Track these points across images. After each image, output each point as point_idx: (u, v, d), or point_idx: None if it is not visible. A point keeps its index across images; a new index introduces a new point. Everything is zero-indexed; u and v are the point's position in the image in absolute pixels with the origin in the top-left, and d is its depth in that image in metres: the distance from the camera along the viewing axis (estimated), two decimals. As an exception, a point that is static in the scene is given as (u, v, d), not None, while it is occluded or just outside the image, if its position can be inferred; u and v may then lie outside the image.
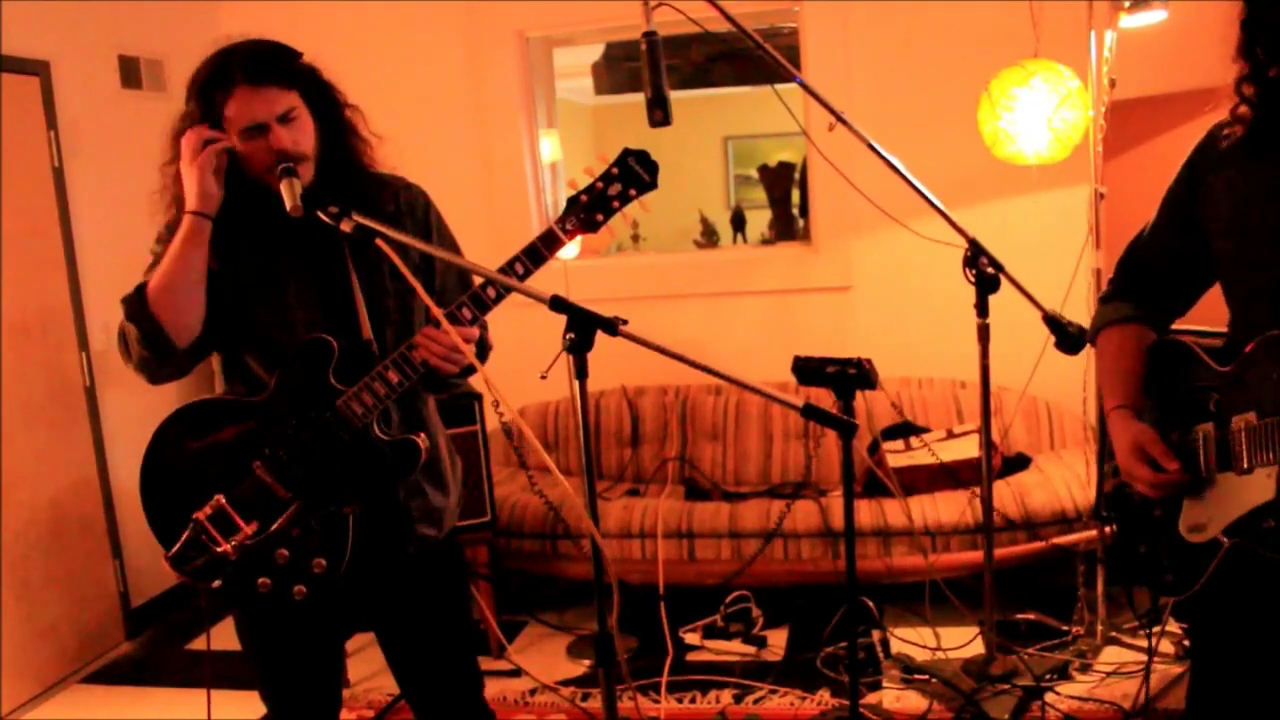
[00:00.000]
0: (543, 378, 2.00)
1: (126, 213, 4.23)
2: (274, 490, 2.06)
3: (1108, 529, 3.52)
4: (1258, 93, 1.75)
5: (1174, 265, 1.98)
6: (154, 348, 2.04)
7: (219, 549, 2.04)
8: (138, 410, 4.41)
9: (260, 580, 2.06)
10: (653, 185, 2.14)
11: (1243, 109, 1.78)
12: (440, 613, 2.34)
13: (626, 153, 2.13)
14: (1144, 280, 2.03)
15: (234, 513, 2.05)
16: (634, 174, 2.11)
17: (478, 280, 2.10)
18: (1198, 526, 1.82)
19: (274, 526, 2.06)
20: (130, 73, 4.60)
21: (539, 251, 2.09)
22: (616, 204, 2.12)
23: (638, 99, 2.54)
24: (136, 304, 2.04)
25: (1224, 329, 1.91)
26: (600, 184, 2.12)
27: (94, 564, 4.34)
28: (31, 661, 3.97)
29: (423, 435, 2.15)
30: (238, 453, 2.08)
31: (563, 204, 2.13)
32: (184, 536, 2.05)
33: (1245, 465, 1.72)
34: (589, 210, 2.11)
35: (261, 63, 2.07)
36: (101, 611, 4.37)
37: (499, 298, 2.09)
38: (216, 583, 2.06)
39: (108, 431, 4.40)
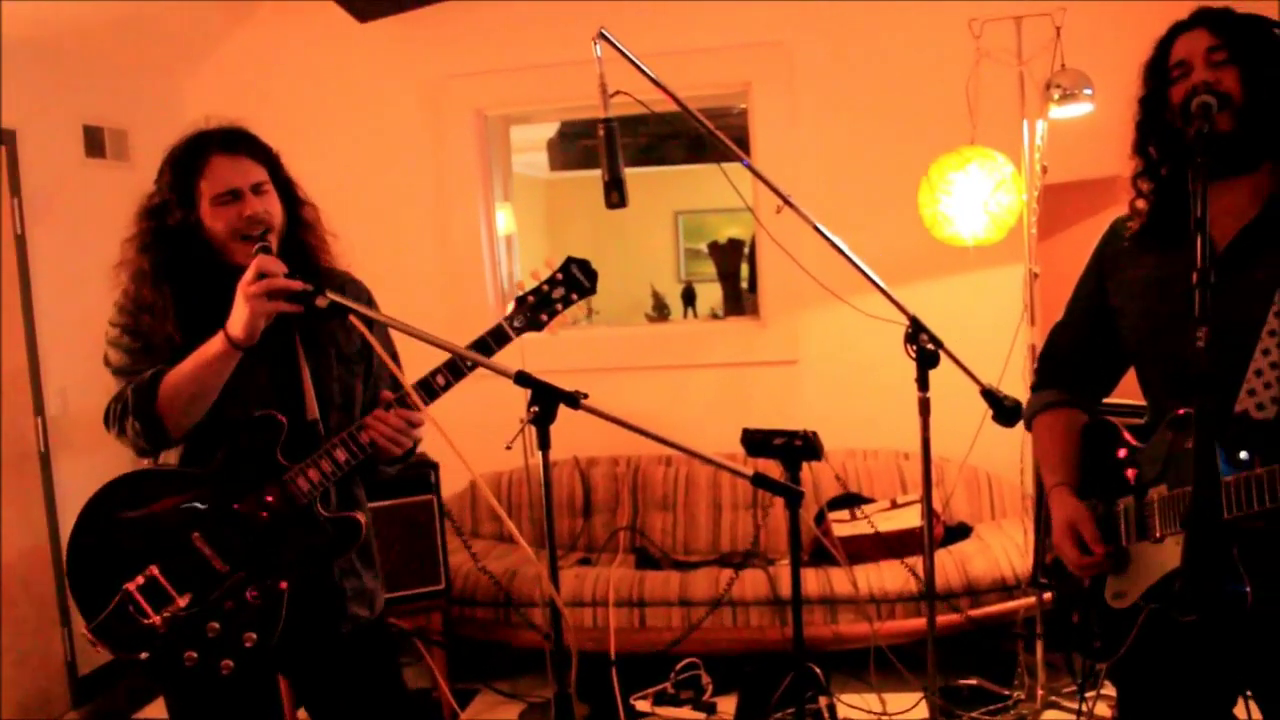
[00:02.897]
0: (508, 448, 2.09)
1: (87, 281, 4.21)
2: (212, 562, 2.08)
3: (1047, 596, 3.62)
4: (1152, 189, 1.91)
5: (1090, 354, 2.11)
6: (152, 440, 2.13)
7: (146, 621, 2.04)
8: (91, 476, 4.30)
9: (187, 654, 2.06)
10: (592, 291, 2.32)
11: (1140, 203, 1.93)
12: (375, 692, 2.36)
13: (570, 261, 2.31)
14: (1066, 369, 2.16)
15: (167, 584, 2.06)
16: (576, 280, 2.31)
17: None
18: (1120, 594, 1.92)
19: (209, 599, 2.07)
20: (94, 142, 4.66)
21: (488, 345, 2.23)
22: (559, 306, 2.30)
23: (591, 174, 2.66)
24: (145, 402, 2.08)
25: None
26: (545, 287, 2.29)
27: (41, 631, 4.30)
28: (-25, 731, 3.93)
29: (361, 514, 2.22)
30: (176, 524, 2.09)
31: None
32: (111, 606, 2.04)
33: (1158, 534, 1.83)
34: (535, 310, 2.28)
35: (236, 136, 2.18)
36: (47, 680, 4.32)
37: (448, 386, 2.20)
38: (143, 655, 2.05)
39: (60, 497, 4.38)
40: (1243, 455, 1.67)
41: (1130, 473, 1.94)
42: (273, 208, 2.18)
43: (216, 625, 2.07)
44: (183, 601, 2.05)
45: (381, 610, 2.39)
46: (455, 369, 2.18)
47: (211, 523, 2.09)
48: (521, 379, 1.94)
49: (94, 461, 4.40)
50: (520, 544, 1.87)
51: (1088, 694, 3.64)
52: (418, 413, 2.17)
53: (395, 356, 2.38)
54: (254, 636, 2.08)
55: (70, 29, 4.33)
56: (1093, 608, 2.00)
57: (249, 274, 2.02)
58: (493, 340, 2.23)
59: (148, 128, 4.79)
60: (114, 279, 2.23)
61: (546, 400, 1.96)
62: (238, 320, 2.03)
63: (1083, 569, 1.96)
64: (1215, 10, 1.84)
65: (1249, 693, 1.96)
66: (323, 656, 2.27)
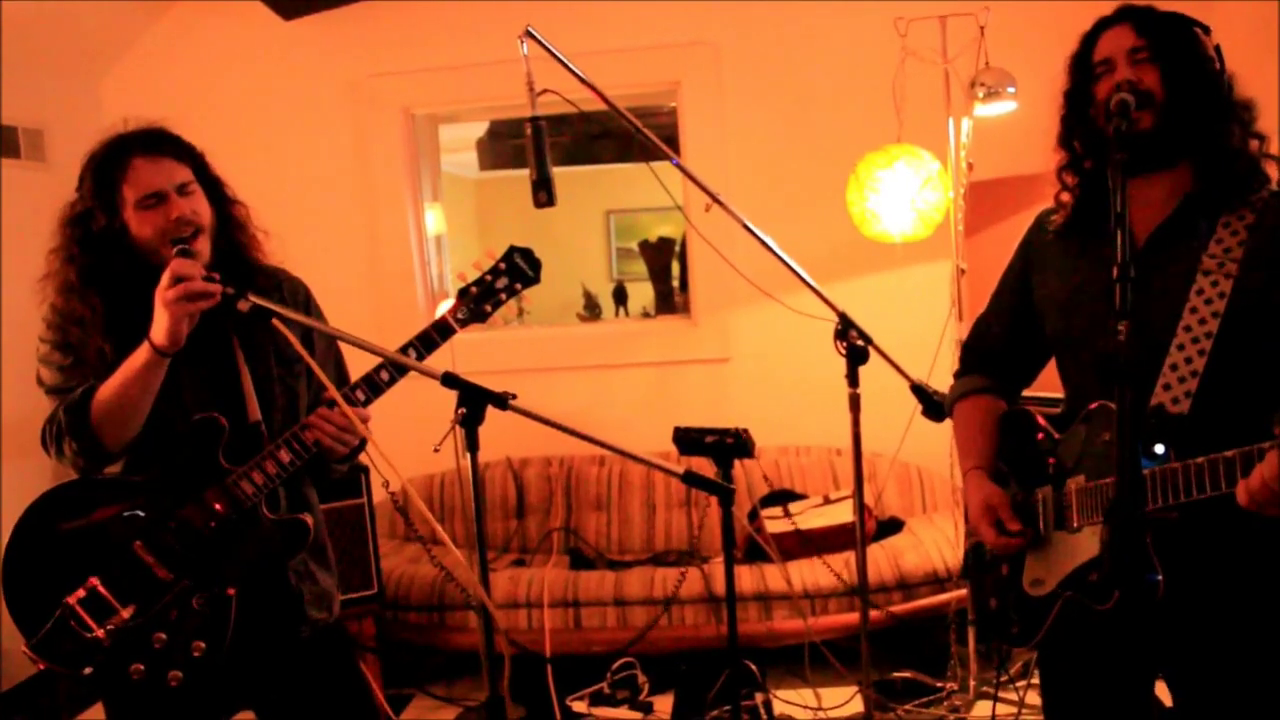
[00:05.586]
0: (436, 450, 2.07)
1: (3, 283, 4.15)
2: (154, 571, 2.03)
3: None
4: (1077, 182, 1.94)
5: (1013, 344, 2.14)
6: (91, 458, 2.07)
7: (89, 635, 1.98)
8: (11, 486, 4.30)
9: (134, 666, 2.01)
10: (535, 280, 2.29)
11: (1065, 196, 1.97)
12: (336, 697, 2.31)
13: (513, 250, 2.28)
14: (988, 359, 2.19)
15: (109, 595, 2.01)
16: (519, 270, 2.28)
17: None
18: (1037, 581, 1.95)
19: (153, 609, 2.02)
20: (8, 142, 4.53)
21: (432, 339, 2.20)
22: (503, 296, 2.27)
23: (521, 174, 2.64)
24: (79, 420, 2.03)
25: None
26: (489, 277, 2.27)
27: (-42, 648, 4.18)
28: (-111, 752, 3.80)
29: (309, 515, 2.18)
30: (116, 533, 2.04)
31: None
32: (50, 622, 1.98)
33: (1075, 524, 1.86)
34: (478, 301, 2.25)
35: (157, 137, 2.13)
36: (-35, 697, 4.20)
37: (392, 381, 2.16)
38: (87, 670, 2.00)
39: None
40: (1159, 449, 1.70)
41: (1048, 462, 1.97)
42: (200, 208, 2.14)
43: (163, 636, 2.02)
44: (126, 613, 2.00)
45: (339, 612, 2.35)
46: (396, 364, 2.16)
47: (153, 530, 2.04)
48: (448, 380, 1.92)
49: (16, 472, 4.29)
50: (449, 548, 1.85)
51: (1019, 683, 3.70)
52: (360, 409, 2.15)
53: (340, 356, 2.37)
54: (202, 645, 2.03)
55: (-20, 26, 4.21)
56: (1010, 594, 2.03)
57: (165, 279, 1.98)
58: (436, 334, 2.21)
59: (64, 127, 4.67)
60: (40, 292, 2.17)
61: (474, 401, 1.94)
62: (159, 327, 1.99)
63: (1000, 548, 1.99)
64: (1139, 8, 1.88)
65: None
66: (279, 662, 2.22)
